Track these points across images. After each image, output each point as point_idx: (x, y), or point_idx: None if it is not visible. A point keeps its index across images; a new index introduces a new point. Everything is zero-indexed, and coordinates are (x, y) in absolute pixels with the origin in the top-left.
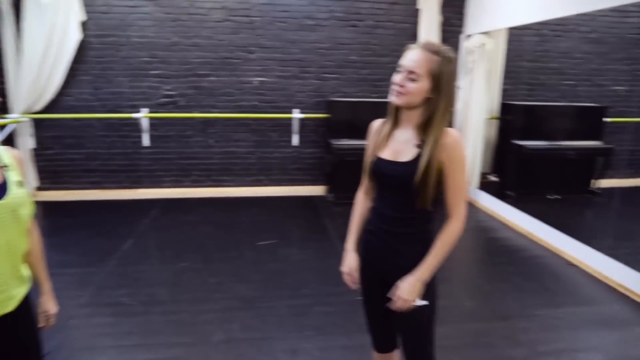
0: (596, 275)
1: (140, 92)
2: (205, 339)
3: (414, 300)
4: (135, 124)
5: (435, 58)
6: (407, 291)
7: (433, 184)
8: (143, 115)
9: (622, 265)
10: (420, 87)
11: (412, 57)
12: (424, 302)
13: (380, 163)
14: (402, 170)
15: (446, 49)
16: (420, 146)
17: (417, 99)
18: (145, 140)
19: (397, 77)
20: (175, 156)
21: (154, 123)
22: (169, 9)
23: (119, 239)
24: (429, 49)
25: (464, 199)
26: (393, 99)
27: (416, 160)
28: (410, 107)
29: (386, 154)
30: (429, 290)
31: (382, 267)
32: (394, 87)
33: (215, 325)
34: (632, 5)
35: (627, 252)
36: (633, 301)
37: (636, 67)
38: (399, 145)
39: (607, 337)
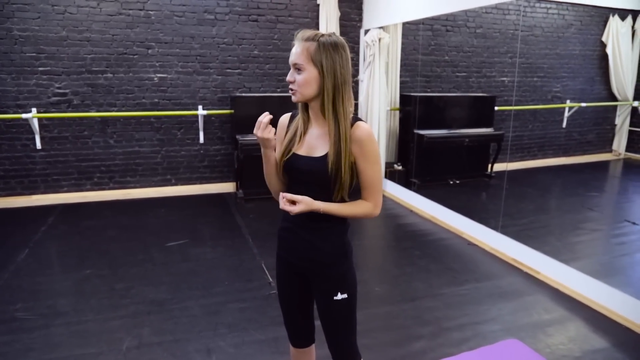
0: (493, 252)
1: (27, 90)
2: (114, 347)
3: (296, 209)
4: (23, 125)
5: (312, 44)
6: (306, 204)
7: (348, 176)
8: (32, 116)
9: (513, 241)
10: (308, 77)
11: (293, 52)
12: (344, 296)
13: (295, 159)
14: (316, 165)
15: (323, 34)
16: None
17: (311, 89)
18: (37, 143)
19: (288, 76)
20: (73, 158)
21: (46, 124)
22: (54, 0)
23: (12, 250)
24: (305, 37)
25: (379, 191)
26: (292, 98)
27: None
28: (310, 100)
29: (301, 150)
30: (348, 283)
31: (302, 264)
32: (289, 86)
33: (124, 332)
34: (510, 4)
35: (517, 229)
36: (524, 273)
37: (516, 60)
38: (313, 140)
39: (504, 308)
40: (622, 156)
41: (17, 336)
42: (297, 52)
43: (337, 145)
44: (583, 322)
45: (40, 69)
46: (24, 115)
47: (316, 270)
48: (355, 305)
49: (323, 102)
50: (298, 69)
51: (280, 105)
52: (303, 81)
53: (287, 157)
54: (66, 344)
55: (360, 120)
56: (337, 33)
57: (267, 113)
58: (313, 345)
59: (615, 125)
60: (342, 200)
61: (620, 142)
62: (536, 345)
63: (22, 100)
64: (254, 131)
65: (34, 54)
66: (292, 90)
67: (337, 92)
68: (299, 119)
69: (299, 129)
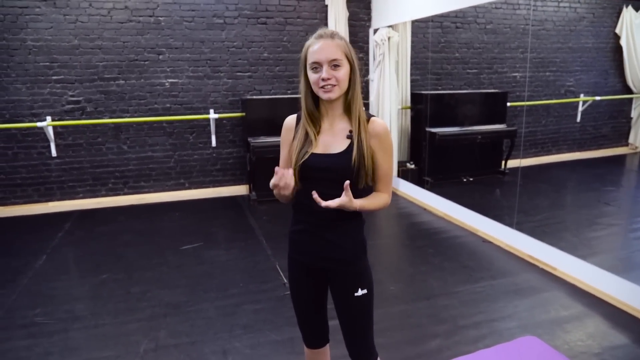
0: (508, 249)
1: (41, 99)
2: (131, 350)
3: (336, 204)
4: (39, 134)
5: (342, 41)
6: (347, 201)
7: (370, 168)
8: (47, 124)
9: (529, 238)
10: (346, 72)
11: (325, 48)
12: (364, 292)
13: (313, 158)
14: (337, 161)
15: (338, 31)
16: (350, 137)
17: (346, 84)
18: (53, 150)
19: (321, 74)
20: (88, 165)
21: (61, 131)
22: (66, 9)
23: (30, 256)
24: (331, 35)
25: (391, 182)
26: (329, 95)
27: (350, 149)
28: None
29: (317, 149)
30: (367, 279)
31: (321, 264)
32: (323, 84)
33: (141, 335)
34: None
35: (533, 225)
36: (540, 269)
37: (528, 55)
38: (328, 137)
39: (520, 305)
40: (638, 149)
41: (36, 340)
42: (332, 49)
43: (359, 137)
44: (602, 318)
45: (54, 77)
46: (39, 124)
47: (336, 269)
48: (373, 300)
49: (353, 96)
50: (336, 65)
51: (290, 107)
52: (343, 76)
53: (304, 159)
54: (84, 348)
55: (374, 115)
56: (347, 33)
57: (290, 171)
58: (327, 346)
59: (631, 118)
60: (367, 186)
61: (636, 136)
62: (554, 342)
63: (36, 109)
64: (272, 185)
65: (47, 63)
66: (331, 86)
67: (359, 87)
68: (306, 120)
69: (311, 129)
